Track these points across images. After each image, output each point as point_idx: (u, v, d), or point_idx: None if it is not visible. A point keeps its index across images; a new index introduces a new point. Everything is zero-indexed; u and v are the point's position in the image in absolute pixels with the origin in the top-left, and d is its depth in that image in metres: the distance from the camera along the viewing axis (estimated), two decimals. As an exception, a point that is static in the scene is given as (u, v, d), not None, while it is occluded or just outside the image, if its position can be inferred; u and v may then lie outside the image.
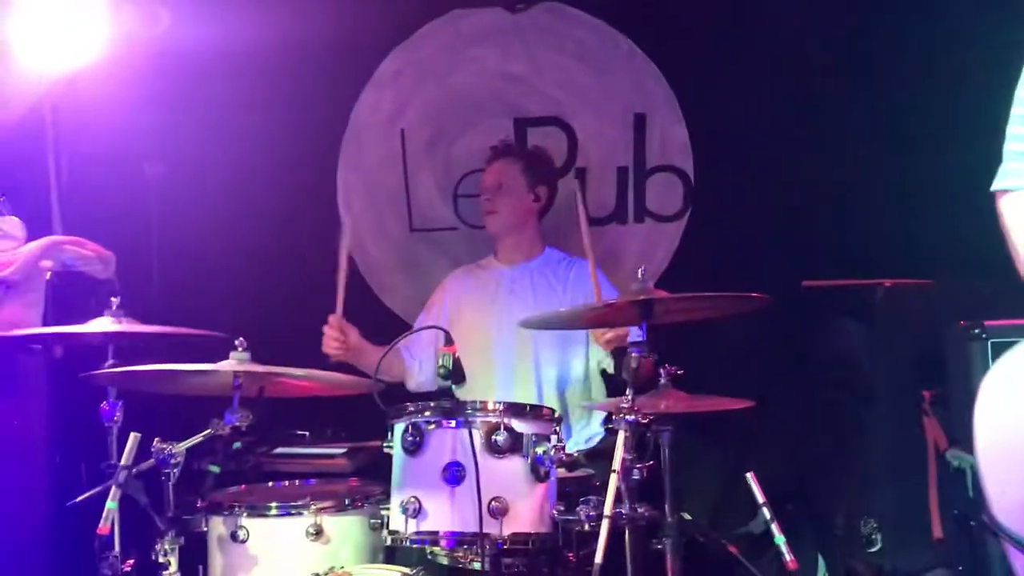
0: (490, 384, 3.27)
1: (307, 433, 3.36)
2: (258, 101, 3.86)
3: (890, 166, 3.51)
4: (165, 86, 3.77)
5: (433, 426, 2.39)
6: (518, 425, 2.39)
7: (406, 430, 2.42)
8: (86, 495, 2.46)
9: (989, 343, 2.71)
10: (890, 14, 3.52)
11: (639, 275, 2.54)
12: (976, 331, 2.71)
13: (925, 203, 3.41)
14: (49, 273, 2.99)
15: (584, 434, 3.28)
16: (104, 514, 2.32)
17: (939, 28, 3.43)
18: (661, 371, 2.51)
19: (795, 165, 3.59)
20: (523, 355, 3.29)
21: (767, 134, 3.62)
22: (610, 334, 3.04)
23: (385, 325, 3.42)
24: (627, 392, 2.42)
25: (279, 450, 3.27)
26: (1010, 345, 2.67)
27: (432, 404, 2.41)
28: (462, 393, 2.48)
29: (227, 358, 2.49)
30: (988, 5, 3.35)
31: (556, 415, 2.51)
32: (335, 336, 3.10)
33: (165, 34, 3.65)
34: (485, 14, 3.90)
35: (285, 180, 3.87)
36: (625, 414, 2.34)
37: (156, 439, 2.41)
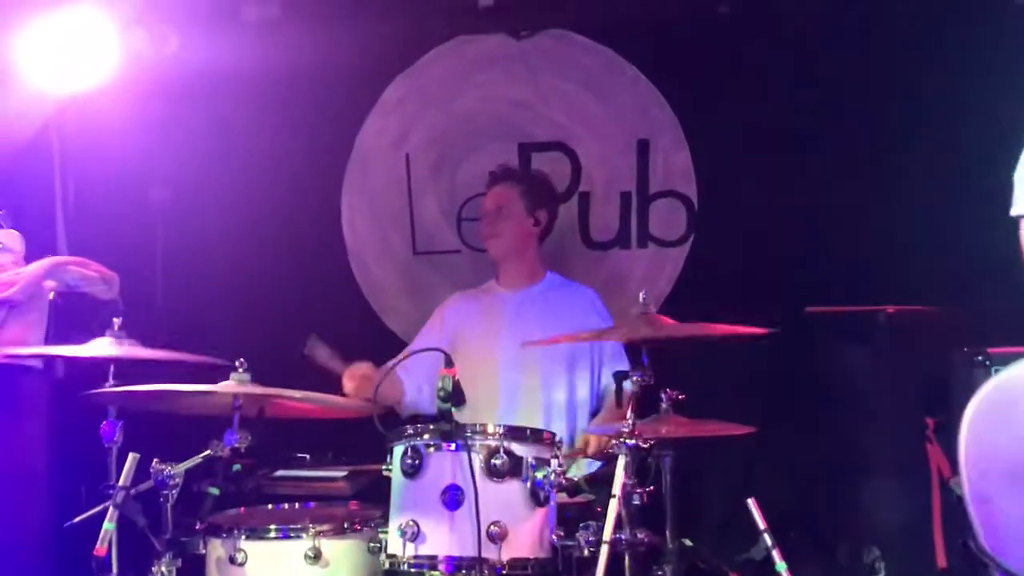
0: (496, 409, 3.26)
1: (307, 456, 3.35)
2: (264, 126, 3.89)
3: (893, 192, 3.51)
4: (172, 110, 3.81)
5: (433, 449, 2.38)
6: (518, 449, 2.38)
7: (405, 453, 2.41)
8: (84, 516, 2.45)
9: (993, 370, 2.70)
10: (892, 42, 3.54)
11: (641, 299, 2.54)
12: (979, 358, 2.70)
13: (929, 229, 3.41)
14: (52, 293, 3.01)
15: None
16: (101, 535, 2.32)
17: (941, 56, 3.45)
18: (662, 395, 2.50)
19: (798, 191, 3.59)
20: (530, 379, 3.29)
21: (770, 159, 3.63)
22: (592, 448, 3.04)
23: (386, 347, 3.41)
24: (628, 417, 2.41)
25: (279, 473, 3.25)
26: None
27: (432, 427, 2.40)
28: (465, 416, 2.46)
29: (228, 379, 2.49)
30: (990, 32, 3.36)
31: (557, 439, 2.50)
32: (356, 386, 3.11)
33: (173, 58, 3.69)
34: (490, 40, 3.93)
35: (289, 203, 3.89)
36: (625, 439, 2.33)
37: (155, 460, 2.40)
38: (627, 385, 2.48)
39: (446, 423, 2.36)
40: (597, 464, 3.22)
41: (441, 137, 3.96)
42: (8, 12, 3.26)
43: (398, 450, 2.45)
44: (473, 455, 2.33)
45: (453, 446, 2.36)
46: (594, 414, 3.32)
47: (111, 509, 2.35)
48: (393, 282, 3.97)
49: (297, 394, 2.54)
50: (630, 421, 2.38)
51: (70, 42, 3.33)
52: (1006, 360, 2.69)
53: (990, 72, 3.31)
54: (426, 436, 2.40)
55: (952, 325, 2.95)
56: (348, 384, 3.14)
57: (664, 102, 3.81)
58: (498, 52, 3.93)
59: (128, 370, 2.62)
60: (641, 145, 3.84)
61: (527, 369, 3.28)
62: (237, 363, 2.49)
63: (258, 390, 2.48)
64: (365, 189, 4.01)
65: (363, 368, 3.15)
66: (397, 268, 3.98)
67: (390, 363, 3.16)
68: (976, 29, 3.39)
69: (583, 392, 3.31)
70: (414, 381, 3.32)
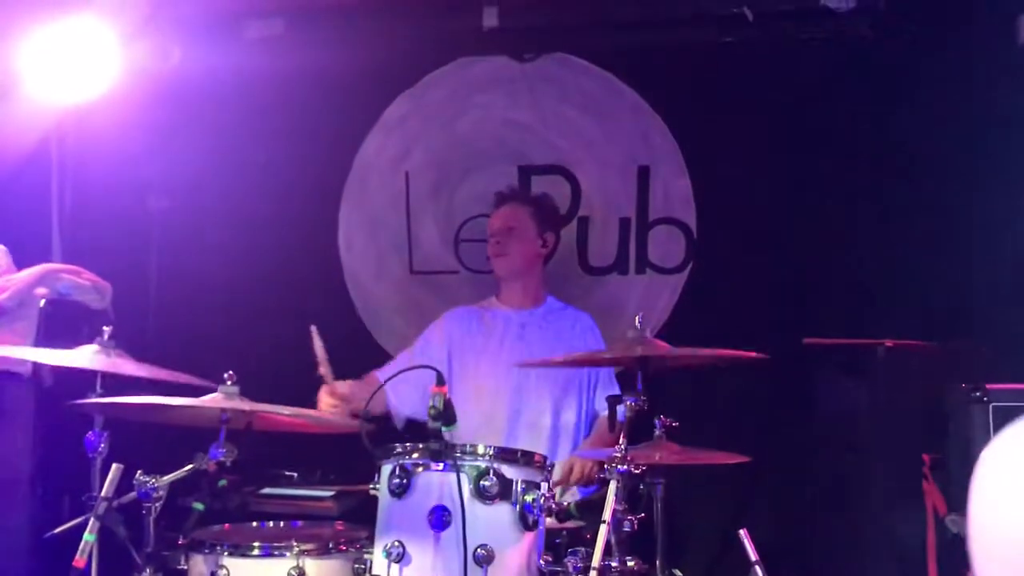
0: (500, 429, 3.22)
1: (295, 474, 3.31)
2: (263, 141, 3.88)
3: (894, 226, 3.49)
4: (172, 123, 3.81)
5: (421, 468, 2.34)
6: (508, 471, 2.34)
7: (393, 472, 2.36)
8: (64, 527, 2.41)
9: (991, 407, 2.67)
10: (893, 75, 3.54)
11: (636, 323, 2.52)
12: (977, 394, 2.67)
13: (929, 264, 3.39)
14: (44, 301, 2.98)
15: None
16: (81, 547, 2.27)
17: (942, 87, 3.44)
18: (656, 422, 2.47)
19: (798, 221, 3.58)
20: (537, 401, 3.26)
21: (770, 189, 3.63)
22: (576, 475, 3.02)
23: (378, 365, 3.38)
24: (620, 442, 2.38)
25: (266, 490, 3.21)
26: (1012, 410, 2.65)
27: (420, 446, 2.36)
28: (467, 434, 2.42)
29: (216, 392, 2.45)
30: (993, 69, 3.36)
31: (548, 462, 2.46)
32: (332, 404, 3.07)
33: (174, 72, 3.69)
34: (493, 62, 3.93)
35: (286, 218, 3.88)
36: (617, 464, 2.29)
37: (139, 472, 2.37)
38: (620, 410, 2.45)
39: (436, 442, 2.32)
40: (590, 488, 3.19)
41: (441, 157, 3.95)
42: (10, 21, 3.26)
43: (386, 469, 2.40)
44: (462, 476, 2.29)
45: (441, 466, 2.33)
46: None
47: (92, 520, 2.31)
48: (388, 300, 3.95)
49: (286, 410, 2.51)
50: (622, 447, 2.35)
51: (71, 52, 3.33)
52: (1005, 397, 2.67)
53: (989, 105, 3.31)
54: (415, 455, 2.36)
55: (951, 360, 2.93)
56: (325, 400, 3.08)
57: (665, 129, 3.80)
58: (501, 74, 3.93)
59: (116, 380, 2.58)
60: (641, 171, 3.83)
61: (529, 390, 3.25)
62: (226, 376, 2.46)
63: (246, 405, 2.45)
64: (363, 206, 3.99)
65: (343, 387, 3.09)
66: (393, 287, 3.96)
67: (382, 377, 3.14)
68: (981, 67, 3.38)
69: (571, 417, 3.28)
70: (395, 389, 3.26)
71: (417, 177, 3.96)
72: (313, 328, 2.91)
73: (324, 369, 3.03)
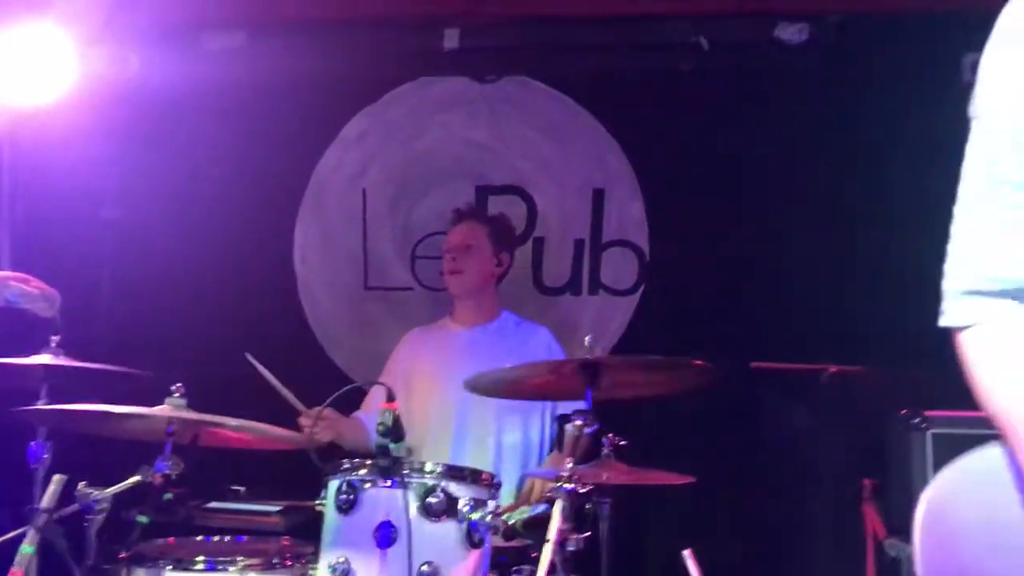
0: (446, 447, 3.23)
1: (243, 489, 3.27)
2: (221, 152, 3.87)
3: (844, 252, 3.57)
4: (128, 131, 3.78)
5: (368, 485, 2.34)
6: (455, 489, 2.35)
7: (340, 487, 2.36)
8: (4, 538, 2.37)
9: (929, 434, 2.73)
10: (849, 101, 3.63)
11: (586, 342, 2.54)
12: (916, 421, 2.73)
13: (875, 291, 3.47)
14: (-10, 308, 2.93)
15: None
16: (17, 558, 2.24)
17: (886, 117, 3.53)
18: (604, 441, 2.50)
19: (749, 247, 3.64)
20: (483, 419, 3.26)
21: (722, 214, 3.69)
22: (536, 493, 2.97)
23: (329, 380, 3.37)
24: (568, 461, 2.40)
25: (212, 504, 3.17)
26: (951, 437, 2.72)
27: (368, 462, 2.37)
28: (416, 452, 2.41)
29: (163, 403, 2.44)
30: (949, 96, 3.44)
31: (495, 480, 2.47)
32: (310, 425, 3.01)
33: (132, 80, 3.67)
34: (453, 83, 3.96)
35: (242, 231, 3.86)
36: (563, 483, 2.31)
37: (81, 483, 2.34)
38: (569, 428, 2.47)
39: (384, 458, 2.33)
40: (541, 507, 3.19)
41: (399, 174, 3.97)
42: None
43: (333, 484, 2.40)
44: (409, 493, 2.30)
45: (389, 483, 2.33)
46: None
47: (31, 532, 2.28)
48: (342, 316, 3.95)
49: (233, 422, 2.50)
50: (569, 465, 2.37)
51: (27, 56, 3.30)
52: (944, 424, 2.73)
53: (933, 141, 3.40)
54: (363, 471, 2.37)
55: (892, 386, 2.99)
56: (305, 420, 3.04)
57: (621, 153, 3.86)
58: (461, 94, 3.96)
59: (62, 390, 2.55)
60: (597, 194, 3.88)
61: (479, 407, 3.25)
62: (173, 388, 2.44)
63: (193, 416, 2.44)
64: (319, 221, 3.99)
65: (330, 413, 3.04)
66: (347, 302, 3.95)
67: (365, 418, 3.13)
68: (926, 104, 3.47)
69: (535, 435, 3.30)
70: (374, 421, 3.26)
71: (374, 193, 3.97)
72: (248, 356, 2.88)
73: (293, 401, 2.97)
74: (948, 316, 1.28)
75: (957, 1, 3.19)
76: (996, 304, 1.23)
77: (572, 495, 2.34)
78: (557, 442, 3.12)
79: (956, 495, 1.27)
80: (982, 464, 1.28)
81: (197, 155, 3.84)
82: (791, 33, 3.46)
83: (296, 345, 3.79)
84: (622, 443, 2.51)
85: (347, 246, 3.96)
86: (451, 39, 3.75)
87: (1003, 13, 1.22)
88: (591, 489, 2.40)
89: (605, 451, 2.49)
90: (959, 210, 1.27)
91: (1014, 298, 1.23)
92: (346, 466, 2.39)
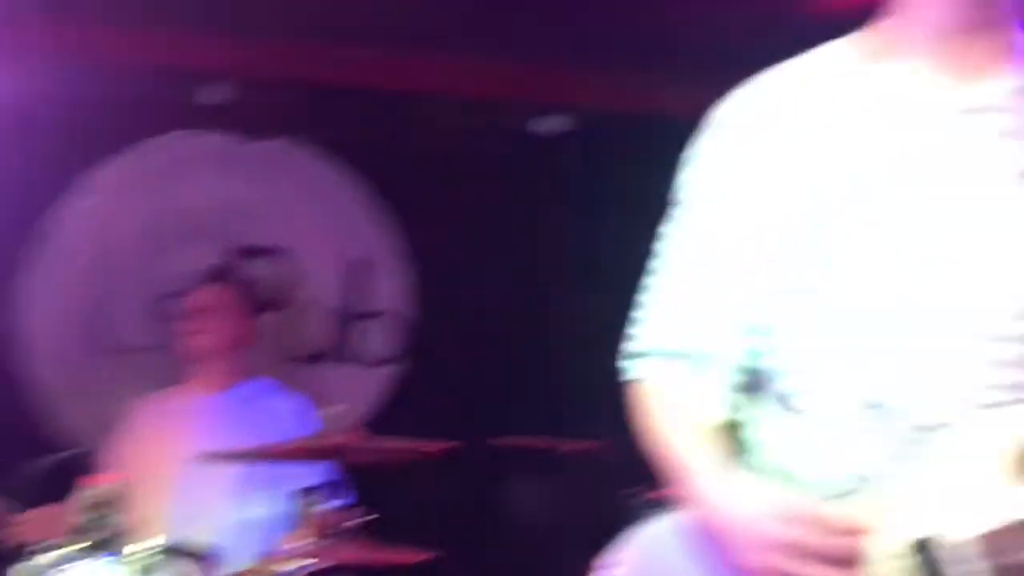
0: (166, 520, 3.01)
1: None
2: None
3: (588, 332, 3.72)
4: None
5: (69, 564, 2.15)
6: (173, 566, 2.20)
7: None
8: None
9: (653, 512, 2.84)
10: (589, 193, 3.83)
11: (334, 415, 2.48)
12: (640, 499, 2.82)
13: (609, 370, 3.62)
14: None
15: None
16: None
17: (627, 201, 3.76)
18: (344, 517, 2.43)
19: (503, 323, 3.73)
20: (219, 491, 3.08)
21: (478, 290, 3.76)
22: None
23: (49, 450, 3.09)
24: (305, 538, 2.31)
25: None
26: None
27: (72, 537, 2.17)
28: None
29: None
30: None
31: (205, 554, 2.34)
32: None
33: None
34: (214, 138, 3.83)
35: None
36: (296, 560, 2.22)
37: None
38: (308, 504, 2.38)
39: (95, 534, 2.14)
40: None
41: (148, 229, 3.76)
42: None
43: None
44: (125, 570, 2.13)
45: (94, 559, 2.14)
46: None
47: None
48: (68, 381, 3.64)
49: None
50: (305, 543, 2.28)
51: None
52: (668, 503, 2.85)
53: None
54: (64, 549, 2.16)
55: (624, 464, 3.11)
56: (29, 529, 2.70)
57: (383, 220, 3.86)
58: (220, 150, 3.83)
59: None
60: (358, 262, 3.85)
61: (216, 479, 3.07)
62: None
63: None
64: (53, 276, 3.69)
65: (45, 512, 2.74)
66: (76, 365, 3.66)
67: None
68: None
69: (280, 508, 3.15)
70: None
71: (119, 249, 3.73)
72: None
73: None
74: (627, 372, 1.39)
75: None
76: (668, 364, 1.35)
77: (310, 573, 2.25)
78: (299, 517, 2.99)
79: (638, 564, 1.33)
80: (662, 527, 1.32)
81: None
82: (546, 124, 3.66)
83: (15, 412, 3.45)
84: (369, 518, 2.45)
85: (83, 305, 3.68)
86: (214, 94, 3.65)
87: (718, 106, 1.33)
88: (329, 567, 2.31)
89: (346, 527, 2.42)
90: (650, 279, 1.38)
91: (684, 359, 1.34)
92: (49, 544, 2.18)
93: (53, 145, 3.58)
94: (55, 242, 3.70)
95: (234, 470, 3.11)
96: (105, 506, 2.20)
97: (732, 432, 1.33)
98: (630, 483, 2.94)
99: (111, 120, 3.65)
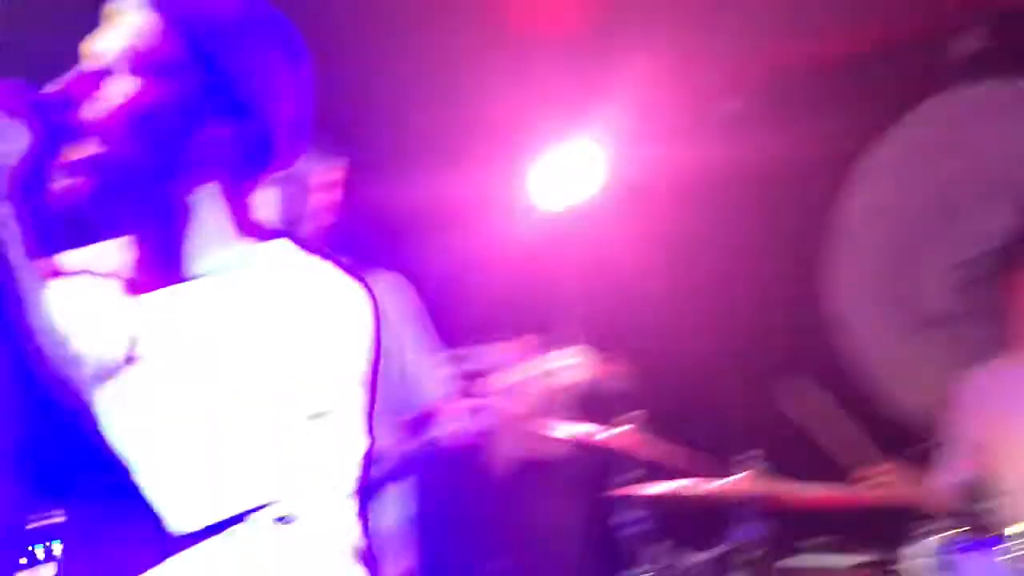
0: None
1: (822, 540, 3.21)
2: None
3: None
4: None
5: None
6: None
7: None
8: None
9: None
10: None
11: None
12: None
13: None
14: None
15: None
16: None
17: None
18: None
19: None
20: None
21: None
22: None
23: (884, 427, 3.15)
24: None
25: (786, 563, 3.16)
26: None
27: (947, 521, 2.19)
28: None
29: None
30: None
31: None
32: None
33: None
34: (980, 90, 3.59)
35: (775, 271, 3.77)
36: None
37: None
38: None
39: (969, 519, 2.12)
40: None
41: (939, 194, 3.65)
42: None
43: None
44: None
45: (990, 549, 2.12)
46: None
47: None
48: (883, 356, 3.67)
49: (815, 491, 2.45)
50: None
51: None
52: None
53: None
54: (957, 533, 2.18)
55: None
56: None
57: None
58: (994, 101, 3.56)
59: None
60: None
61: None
62: (751, 454, 2.46)
63: (773, 486, 2.42)
64: (856, 252, 3.75)
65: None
66: (888, 341, 3.69)
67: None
68: None
69: None
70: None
71: (915, 217, 3.70)
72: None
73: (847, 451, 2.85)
74: None
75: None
76: None
77: None
78: None
79: None
80: None
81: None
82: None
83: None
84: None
85: (882, 276, 3.72)
86: (968, 43, 3.44)
87: None
88: None
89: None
90: None
91: None
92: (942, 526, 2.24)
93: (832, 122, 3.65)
94: (851, 218, 3.78)
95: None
96: (975, 491, 2.19)
97: None
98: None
99: (880, 92, 3.66)
